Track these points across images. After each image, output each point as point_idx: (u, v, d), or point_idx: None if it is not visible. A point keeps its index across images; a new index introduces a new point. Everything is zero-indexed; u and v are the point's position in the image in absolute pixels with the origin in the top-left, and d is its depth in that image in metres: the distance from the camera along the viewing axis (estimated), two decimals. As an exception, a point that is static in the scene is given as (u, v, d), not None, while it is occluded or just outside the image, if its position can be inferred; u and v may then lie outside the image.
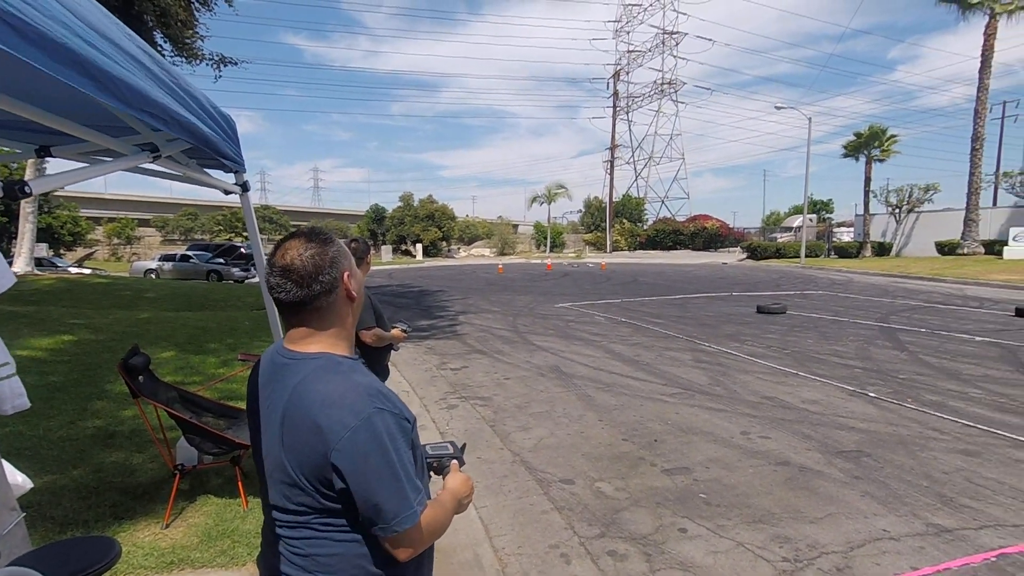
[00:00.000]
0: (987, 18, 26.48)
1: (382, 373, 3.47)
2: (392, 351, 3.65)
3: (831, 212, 51.80)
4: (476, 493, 3.69)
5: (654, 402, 5.60)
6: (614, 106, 48.88)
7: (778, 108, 31.55)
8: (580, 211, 54.95)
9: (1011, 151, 53.34)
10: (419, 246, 39.62)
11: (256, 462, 1.20)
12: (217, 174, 2.24)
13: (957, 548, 2.96)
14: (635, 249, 45.54)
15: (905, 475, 3.85)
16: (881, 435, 4.62)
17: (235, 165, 2.01)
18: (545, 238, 45.30)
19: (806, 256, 31.09)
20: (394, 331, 3.45)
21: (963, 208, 28.27)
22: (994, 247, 26.68)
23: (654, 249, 45.00)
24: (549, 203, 44.69)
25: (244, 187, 2.24)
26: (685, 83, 54.13)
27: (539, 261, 34.72)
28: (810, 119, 30.06)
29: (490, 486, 3.83)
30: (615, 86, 49.24)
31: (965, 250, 27.54)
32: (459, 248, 47.54)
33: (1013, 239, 25.85)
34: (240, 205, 2.35)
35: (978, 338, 8.85)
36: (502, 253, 43.95)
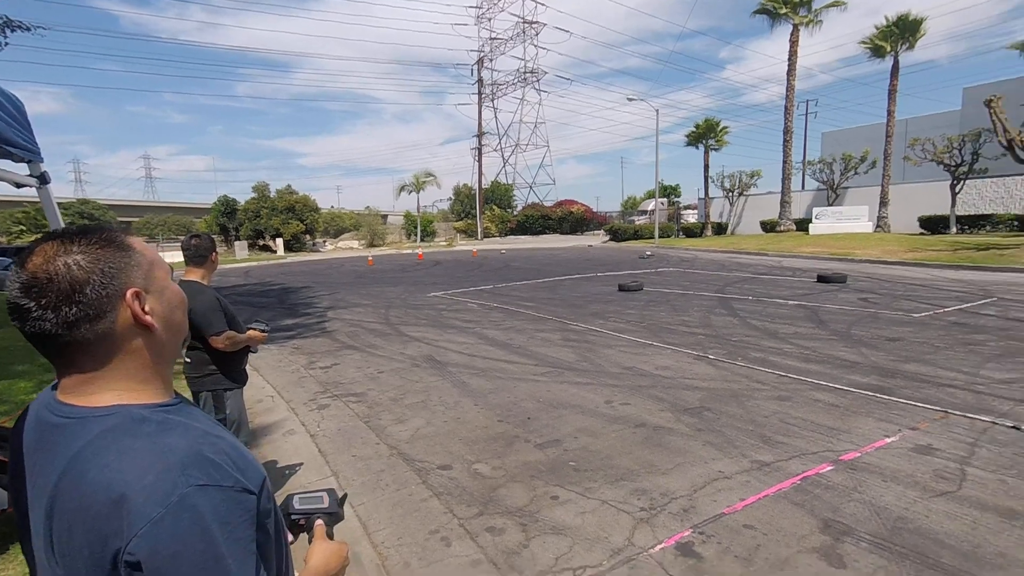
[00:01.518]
0: (791, 28, 30.79)
1: (240, 378, 3.24)
2: (251, 353, 3.42)
3: (679, 196, 57.19)
4: (352, 492, 3.64)
5: (527, 382, 5.86)
6: (479, 93, 49.26)
7: (630, 100, 34.02)
8: (450, 199, 54.90)
9: (813, 142, 63.08)
10: (279, 241, 36.81)
11: (24, 550, 0.88)
12: (4, 164, 1.90)
13: (773, 477, 3.52)
14: (506, 235, 46.65)
15: (736, 423, 4.47)
16: (718, 391, 5.29)
17: (25, 153, 1.70)
18: (415, 227, 44.63)
19: (659, 237, 34.13)
20: (250, 332, 3.23)
21: (779, 192, 32.83)
22: (804, 224, 31.41)
23: (524, 234, 46.46)
24: (418, 192, 44.02)
25: (42, 179, 1.93)
26: (547, 72, 56.30)
27: (410, 251, 34.20)
28: (657, 111, 32.83)
29: (367, 483, 3.77)
30: (479, 73, 49.60)
31: (782, 227, 32.07)
32: (325, 241, 45.12)
33: (816, 217, 30.66)
34: (39, 200, 2.02)
35: (791, 302, 10.42)
36: (372, 245, 42.54)
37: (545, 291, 13.49)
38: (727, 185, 38.66)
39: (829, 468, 3.61)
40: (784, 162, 32.08)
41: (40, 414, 0.83)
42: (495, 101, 54.67)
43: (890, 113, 28.86)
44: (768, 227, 33.88)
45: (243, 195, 43.35)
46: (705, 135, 37.67)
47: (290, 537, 1.09)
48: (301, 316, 11.05)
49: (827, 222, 29.87)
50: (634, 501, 3.34)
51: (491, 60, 51.24)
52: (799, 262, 19.40)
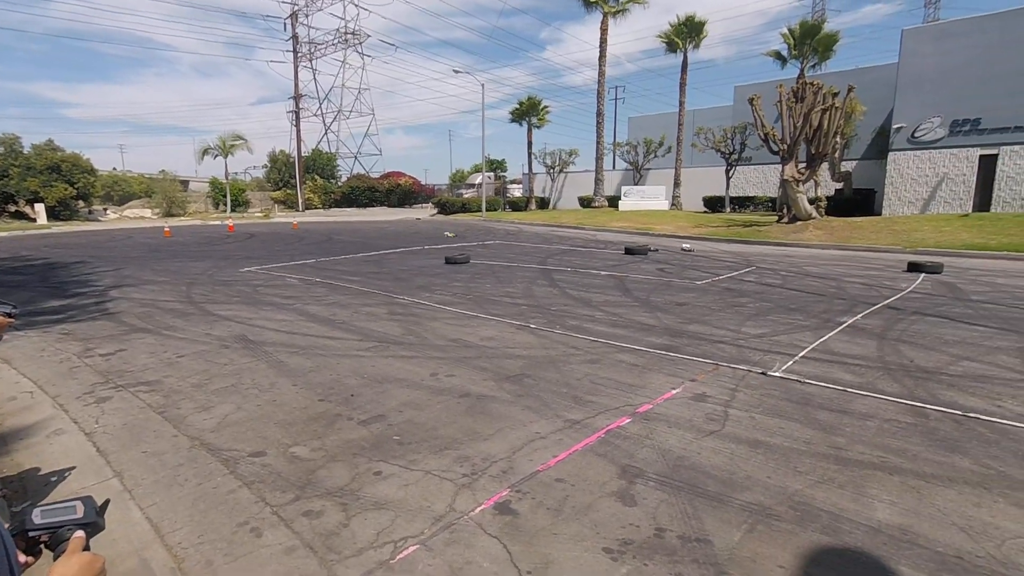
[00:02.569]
0: (602, 16, 33.32)
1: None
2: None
3: (505, 171, 59.34)
4: (142, 492, 3.17)
5: (351, 358, 5.63)
6: (294, 51, 44.89)
7: (456, 72, 34.01)
8: (265, 166, 49.83)
9: (621, 125, 69.88)
10: (40, 207, 29.79)
11: None
12: None
13: (582, 433, 3.88)
14: (330, 207, 43.98)
15: (552, 387, 4.82)
16: (538, 358, 5.65)
17: None
18: (224, 196, 39.71)
19: (487, 210, 35.07)
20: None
21: (594, 170, 35.83)
22: (615, 201, 34.80)
23: (350, 207, 44.28)
24: (225, 156, 39.04)
25: None
26: (369, 35, 53.44)
27: (219, 222, 30.45)
28: (483, 85, 33.33)
29: (161, 480, 3.31)
30: (294, 28, 45.12)
31: (596, 203, 35.17)
32: (106, 209, 37.86)
33: (624, 195, 34.18)
34: None
35: (603, 273, 11.51)
36: (169, 214, 36.85)
37: (371, 265, 13.05)
38: (548, 162, 41.07)
39: (628, 421, 4.08)
40: (597, 143, 35.04)
41: None
42: (313, 62, 50.53)
43: (681, 104, 33.13)
44: (585, 203, 36.89)
45: (-20, 147, 34.30)
46: (528, 112, 39.38)
47: (22, 559, 0.91)
48: (73, 296, 9.20)
49: (633, 199, 33.50)
50: (457, 468, 3.42)
51: (307, 16, 46.96)
52: (611, 236, 21.48)
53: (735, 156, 30.93)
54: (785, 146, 20.17)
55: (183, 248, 17.03)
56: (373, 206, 44.44)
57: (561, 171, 41.56)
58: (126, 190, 43.21)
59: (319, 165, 47.22)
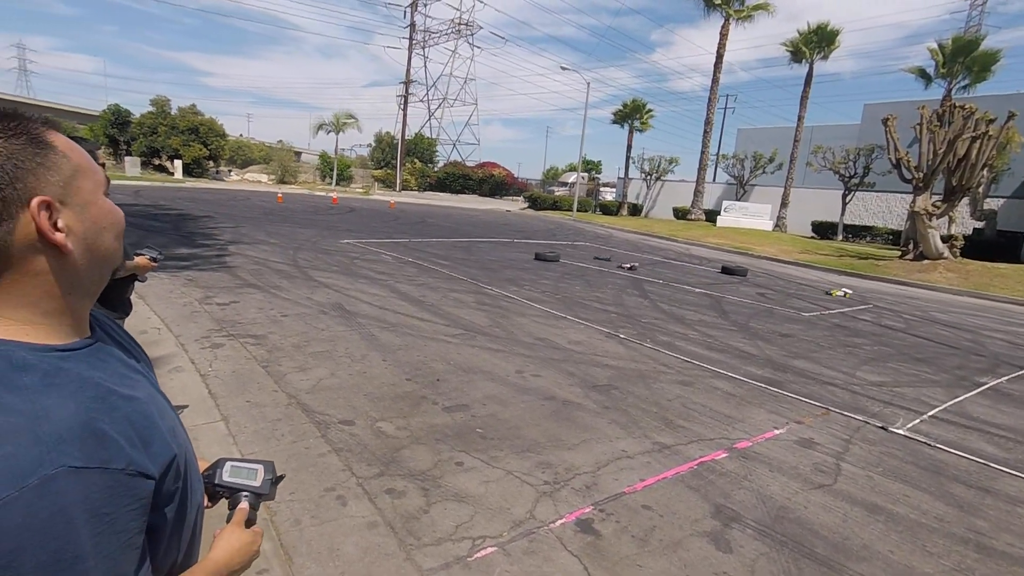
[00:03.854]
0: (723, 19, 31.69)
1: (122, 308, 2.80)
2: (138, 282, 2.96)
3: (600, 172, 58.43)
4: (244, 440, 3.33)
5: (438, 342, 5.68)
6: (410, 38, 46.51)
7: (563, 69, 33.72)
8: (370, 145, 52.26)
9: (728, 137, 66.56)
10: (178, 163, 33.07)
11: None
12: None
13: (672, 460, 3.64)
14: (425, 190, 45.35)
15: (641, 403, 4.59)
16: (627, 371, 5.42)
17: None
18: (331, 170, 42.07)
19: (577, 210, 34.71)
20: (138, 259, 2.78)
21: (694, 181, 34.37)
22: (713, 215, 33.23)
23: (443, 191, 45.43)
24: (337, 133, 41.35)
25: None
26: (482, 27, 54.27)
27: (324, 194, 32.31)
28: (589, 84, 32.89)
29: (260, 431, 3.47)
30: (412, 16, 46.71)
31: (692, 216, 33.74)
32: (230, 171, 41.37)
33: (724, 210, 32.52)
34: None
35: (697, 289, 10.97)
36: (282, 181, 39.62)
37: (461, 251, 13.24)
38: (646, 168, 39.84)
39: (724, 455, 3.79)
40: (702, 152, 33.49)
41: None
42: (426, 49, 52.18)
43: (800, 118, 30.84)
44: (680, 214, 35.51)
45: (137, 107, 38.60)
46: (631, 115, 38.37)
47: (206, 502, 0.93)
48: (199, 247, 10.04)
49: (733, 216, 31.79)
50: (539, 474, 3.32)
51: (425, 5, 48.46)
52: (706, 252, 20.52)
53: (855, 180, 28.48)
54: (921, 174, 18.22)
55: (292, 214, 18.17)
56: (465, 193, 45.35)
57: (658, 179, 40.23)
58: (247, 155, 46.89)
59: (419, 149, 48.84)
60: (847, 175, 28.51)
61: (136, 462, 0.63)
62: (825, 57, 30.32)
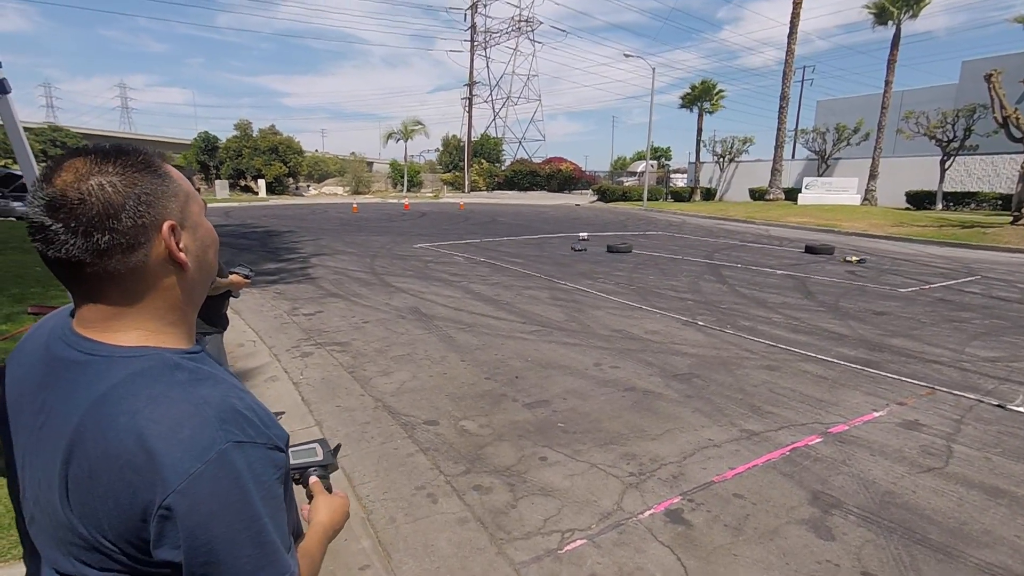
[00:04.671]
0: (797, -13, 29.75)
1: (220, 322, 3.07)
2: (232, 298, 3.24)
3: (669, 159, 56.61)
4: (338, 441, 3.55)
5: (514, 340, 5.77)
6: (472, 40, 47.29)
7: (627, 56, 32.98)
8: (438, 149, 53.60)
9: (805, 111, 62.43)
10: (261, 182, 35.62)
11: (13, 502, 0.81)
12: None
13: (762, 447, 3.51)
14: (493, 189, 45.92)
15: (725, 391, 4.45)
16: (707, 358, 5.26)
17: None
18: (401, 176, 43.59)
19: (648, 199, 33.86)
20: (233, 276, 3.04)
21: (771, 159, 32.57)
22: (793, 194, 31.37)
23: (511, 190, 45.79)
24: (406, 140, 42.76)
25: (1, 87, 1.68)
26: (542, 22, 54.20)
27: (396, 200, 33.51)
28: (654, 69, 31.95)
29: (351, 434, 3.68)
30: (473, 18, 47.45)
31: (771, 196, 31.99)
32: (308, 186, 43.92)
33: (805, 187, 30.59)
34: (-1, 116, 1.78)
35: (779, 271, 10.42)
36: (356, 192, 41.56)
37: (532, 248, 13.32)
38: (719, 150, 38.23)
39: (818, 440, 3.60)
40: (779, 129, 31.70)
41: (53, 348, 0.74)
42: (488, 50, 52.72)
43: (888, 84, 28.42)
44: (757, 195, 33.79)
45: (223, 132, 41.60)
46: (700, 98, 36.87)
47: None
48: (284, 261, 10.76)
49: (816, 192, 29.84)
50: (623, 465, 3.30)
51: (485, 5, 48.98)
52: (786, 232, 19.43)
53: (955, 144, 25.89)
54: (1032, 130, 16.32)
55: (366, 223, 19.01)
56: (533, 190, 45.49)
57: (732, 160, 38.47)
58: (324, 169, 49.46)
59: (486, 149, 49.50)
60: (945, 139, 25.98)
61: (272, 438, 0.73)
62: (915, 15, 27.67)
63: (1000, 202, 25.48)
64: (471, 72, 46.54)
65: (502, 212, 25.90)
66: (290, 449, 1.02)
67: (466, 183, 44.81)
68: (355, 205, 26.97)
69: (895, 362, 5.20)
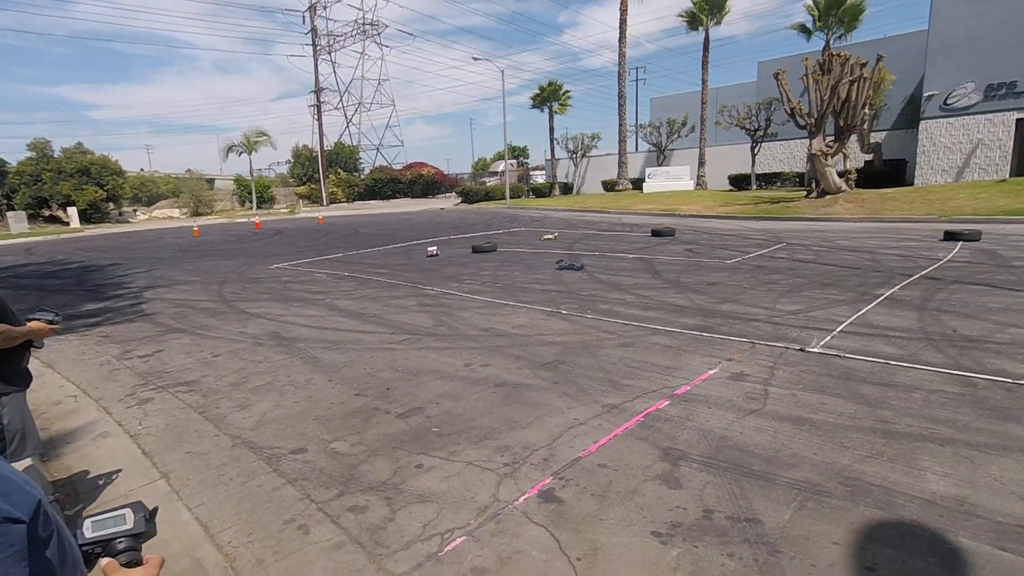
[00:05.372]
0: (620, -4, 32.55)
1: (18, 380, 2.64)
2: (34, 349, 2.80)
3: (527, 157, 58.91)
4: (188, 492, 3.23)
5: (384, 352, 5.66)
6: (314, 44, 45.07)
7: (476, 59, 33.70)
8: (288, 161, 50.48)
9: (643, 107, 68.63)
10: (72, 210, 30.51)
11: None
12: None
13: (621, 418, 3.83)
14: (354, 200, 44.35)
15: (588, 372, 4.77)
16: (572, 344, 5.60)
17: None
18: (249, 193, 40.32)
19: (511, 198, 34.91)
20: (32, 324, 2.64)
21: (617, 153, 35.29)
22: (639, 183, 34.27)
23: (373, 199, 44.60)
24: (250, 153, 39.61)
25: None
26: (388, 26, 53.24)
27: (246, 219, 30.97)
28: (503, 72, 33.03)
29: (206, 480, 3.37)
30: (312, 21, 45.26)
31: (620, 187, 34.69)
32: (135, 211, 38.85)
33: (648, 177, 33.61)
34: None
35: (631, 256, 11.36)
36: (196, 213, 37.65)
37: (399, 256, 13.12)
38: (571, 147, 40.60)
39: (667, 403, 4.02)
40: (620, 125, 34.48)
41: None
42: (332, 54, 50.71)
43: (704, 82, 32.28)
44: (609, 186, 36.43)
45: (14, 155, 35.21)
46: (549, 98, 38.87)
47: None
48: (109, 299, 9.45)
49: (657, 181, 32.91)
50: (498, 458, 3.41)
51: (325, 8, 47.05)
52: (636, 218, 21.19)
53: (760, 133, 30.10)
54: (812, 120, 19.52)
55: (212, 247, 17.36)
56: (397, 198, 44.69)
57: (584, 155, 41.07)
58: (153, 191, 44.12)
59: (342, 158, 47.59)
60: (752, 129, 30.08)
61: (3, 509, 0.64)
62: (719, 22, 31.76)
63: (798, 180, 30.07)
64: (316, 78, 44.45)
65: (365, 223, 25.13)
66: (90, 519, 0.94)
67: (324, 195, 42.75)
68: (196, 228, 24.46)
69: (725, 325, 5.95)
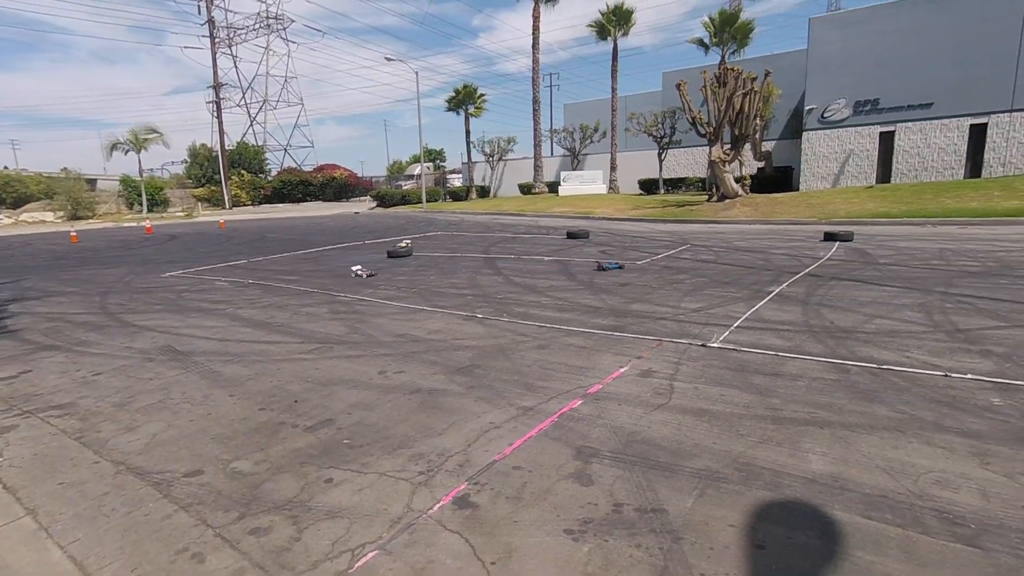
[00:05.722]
0: (533, 2, 33.27)
1: None
2: None
3: (444, 160, 58.50)
4: (61, 527, 2.89)
5: (292, 362, 5.38)
6: (211, 35, 42.18)
7: (388, 60, 33.10)
8: (185, 161, 46.88)
9: (558, 112, 70.48)
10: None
11: None
12: None
13: (535, 419, 3.88)
14: (260, 203, 42.00)
15: (504, 375, 4.79)
16: (488, 348, 5.61)
17: None
18: (139, 195, 37.00)
19: (427, 201, 34.53)
20: None
21: (533, 157, 35.94)
22: (555, 187, 35.10)
23: (282, 202, 42.47)
24: (139, 151, 36.30)
25: None
26: (293, 20, 50.94)
27: (135, 224, 28.42)
28: (417, 73, 32.68)
29: (82, 513, 3.03)
30: (209, 11, 42.34)
31: (536, 190, 35.36)
32: None
33: (563, 181, 34.54)
34: None
35: (547, 258, 11.59)
36: (75, 217, 33.97)
37: (309, 263, 12.57)
38: (487, 151, 40.90)
39: (580, 403, 4.12)
40: (535, 130, 35.18)
41: None
42: (233, 48, 47.87)
43: (613, 90, 33.71)
44: (525, 190, 37.02)
45: None
46: (465, 101, 38.92)
47: None
48: (-34, 315, 8.30)
49: (572, 185, 33.91)
50: (412, 467, 3.34)
51: (223, -1, 44.26)
52: (552, 221, 21.67)
53: (666, 140, 31.88)
54: (711, 129, 20.94)
55: (94, 254, 15.75)
56: (307, 201, 42.81)
57: (500, 159, 41.48)
58: (21, 191, 39.31)
59: (246, 159, 44.87)
60: (659, 136, 31.78)
61: None
62: (626, 33, 33.30)
63: (701, 184, 32.11)
64: (215, 72, 41.63)
65: (273, 227, 23.87)
66: None
67: (226, 198, 40.12)
68: (74, 234, 22.11)
69: (635, 324, 6.22)
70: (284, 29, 48.66)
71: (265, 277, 10.55)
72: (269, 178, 45.76)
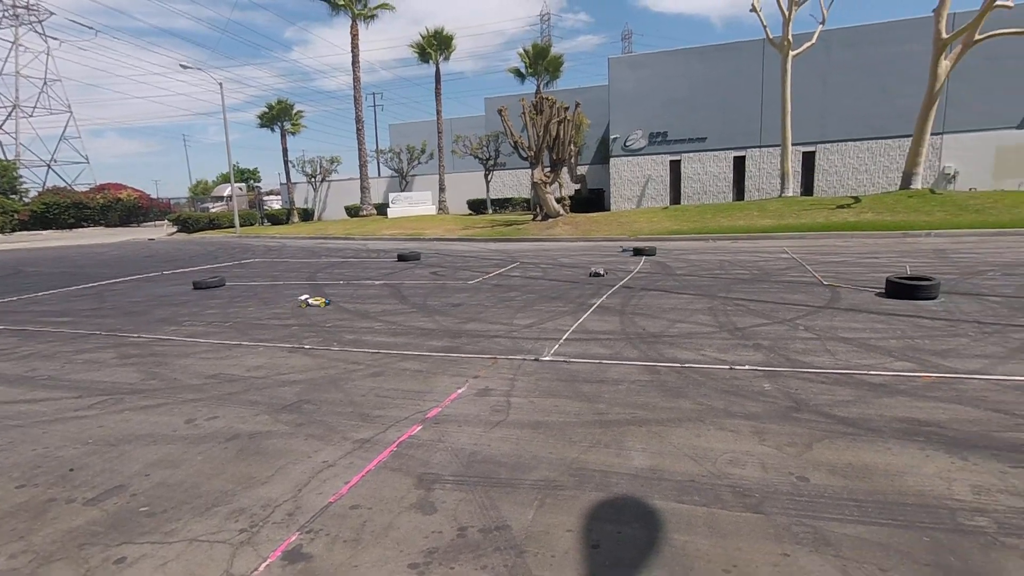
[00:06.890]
0: (351, 20, 32.59)
1: None
2: None
3: (259, 181, 53.99)
4: None
5: (65, 422, 4.43)
6: (-64, 26, 33.76)
7: (184, 67, 29.62)
8: (-101, 178, 36.54)
9: (383, 132, 69.58)
10: None
11: None
12: None
13: (373, 451, 3.69)
14: (14, 231, 34.36)
15: (336, 408, 4.49)
16: (317, 380, 5.22)
17: None
18: None
19: (241, 225, 31.43)
20: None
21: (359, 178, 34.89)
22: (383, 208, 34.41)
23: (46, 229, 35.27)
24: None
25: None
26: (53, 13, 42.87)
27: None
28: (221, 84, 29.70)
29: None
30: (-68, -4, 33.87)
31: (364, 212, 34.32)
32: None
33: (392, 202, 34.07)
34: None
35: (378, 282, 11.25)
36: None
37: (88, 300, 10.57)
38: (308, 170, 38.73)
39: (419, 428, 4.02)
40: (359, 150, 34.25)
41: None
42: (-30, 40, 38.77)
43: (439, 112, 34.39)
44: (352, 212, 35.74)
45: None
46: (280, 117, 36.56)
47: None
48: None
49: (401, 206, 33.60)
50: (231, 525, 2.93)
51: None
52: (382, 243, 21.19)
53: (491, 162, 33.33)
54: (532, 153, 22.46)
55: None
56: (83, 227, 36.11)
57: (324, 180, 39.50)
58: None
59: (-9, 177, 36.46)
60: (484, 158, 33.11)
61: None
62: (447, 58, 34.20)
63: (526, 204, 34.13)
64: (-56, 70, 33.29)
65: (34, 259, 19.69)
66: None
67: (-35, 223, 32.09)
68: None
69: (470, 343, 6.30)
70: (39, 22, 40.85)
71: (22, 321, 8.61)
72: (26, 199, 37.74)
